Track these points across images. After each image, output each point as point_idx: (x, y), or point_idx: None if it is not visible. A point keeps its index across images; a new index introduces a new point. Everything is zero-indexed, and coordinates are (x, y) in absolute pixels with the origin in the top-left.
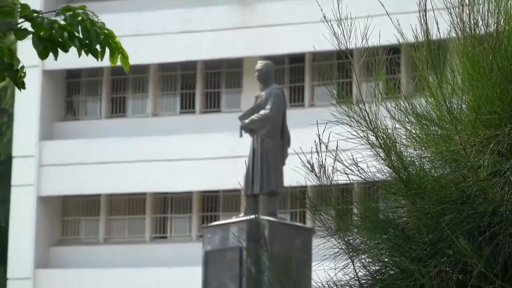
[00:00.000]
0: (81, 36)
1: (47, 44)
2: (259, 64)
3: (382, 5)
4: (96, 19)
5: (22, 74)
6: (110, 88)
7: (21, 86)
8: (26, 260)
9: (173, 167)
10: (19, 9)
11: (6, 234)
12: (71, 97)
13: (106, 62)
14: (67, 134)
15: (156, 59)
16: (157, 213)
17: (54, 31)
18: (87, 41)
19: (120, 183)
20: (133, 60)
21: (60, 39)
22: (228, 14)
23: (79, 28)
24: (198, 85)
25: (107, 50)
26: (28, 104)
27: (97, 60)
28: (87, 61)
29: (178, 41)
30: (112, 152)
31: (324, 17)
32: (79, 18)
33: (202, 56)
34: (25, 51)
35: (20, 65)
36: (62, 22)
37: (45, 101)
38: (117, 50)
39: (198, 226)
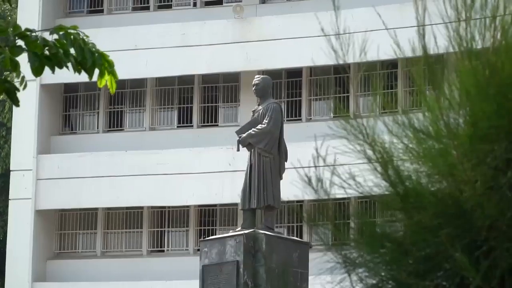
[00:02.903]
0: (75, 54)
1: (44, 61)
2: (256, 79)
3: (379, 16)
4: (87, 39)
5: (24, 84)
6: (107, 102)
7: (16, 102)
8: (23, 274)
9: (170, 181)
10: (11, 28)
11: (4, 248)
12: (69, 111)
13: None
14: (64, 148)
15: (153, 73)
16: (154, 227)
17: (49, 48)
18: (81, 59)
19: (117, 196)
20: (130, 74)
21: (55, 56)
22: (225, 29)
23: (73, 46)
24: (195, 99)
25: (97, 70)
26: (25, 118)
27: (90, 79)
28: (84, 75)
29: (176, 55)
30: (109, 166)
31: (322, 30)
32: (72, 37)
33: (200, 70)
34: (22, 66)
35: (21, 75)
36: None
37: (42, 115)
38: (107, 70)
39: (195, 240)
